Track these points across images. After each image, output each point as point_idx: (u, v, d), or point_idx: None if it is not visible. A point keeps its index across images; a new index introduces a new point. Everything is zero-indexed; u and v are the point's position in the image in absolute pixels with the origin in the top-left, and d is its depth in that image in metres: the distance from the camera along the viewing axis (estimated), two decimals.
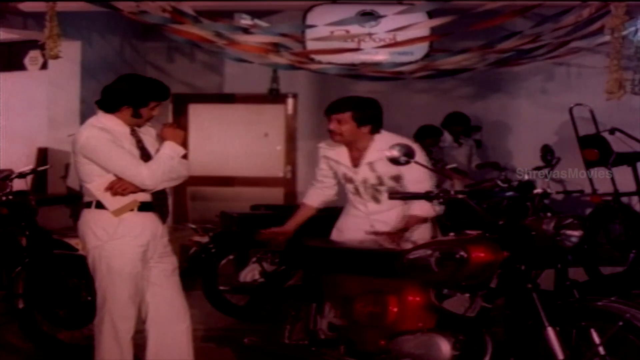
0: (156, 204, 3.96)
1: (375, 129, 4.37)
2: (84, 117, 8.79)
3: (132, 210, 3.89)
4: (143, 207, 3.91)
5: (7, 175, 5.49)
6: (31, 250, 5.11)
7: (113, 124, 3.91)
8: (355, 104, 4.36)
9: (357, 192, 4.43)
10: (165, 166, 3.89)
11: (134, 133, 3.96)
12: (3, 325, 5.41)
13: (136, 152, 3.91)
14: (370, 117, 4.34)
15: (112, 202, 3.86)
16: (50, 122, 8.90)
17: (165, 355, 4.00)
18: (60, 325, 5.08)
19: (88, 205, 3.95)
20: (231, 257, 5.96)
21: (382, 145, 4.22)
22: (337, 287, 3.96)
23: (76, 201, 8.46)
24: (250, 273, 5.65)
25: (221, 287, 5.87)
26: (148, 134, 4.04)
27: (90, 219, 3.95)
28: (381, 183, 4.33)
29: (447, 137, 8.20)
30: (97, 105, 3.99)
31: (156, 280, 4.00)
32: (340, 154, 4.44)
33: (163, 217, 4.00)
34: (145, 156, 3.93)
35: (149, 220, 3.95)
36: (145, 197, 3.91)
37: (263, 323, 4.32)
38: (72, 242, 5.69)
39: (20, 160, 7.93)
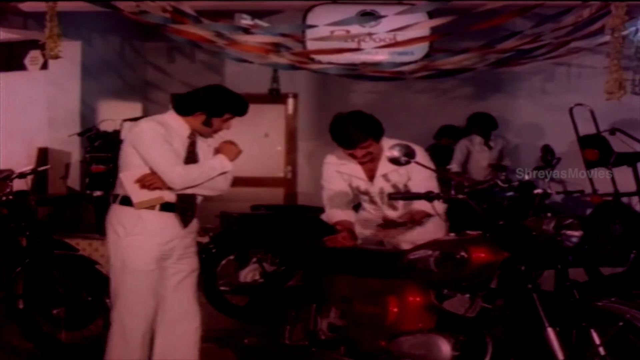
0: (180, 206, 3.95)
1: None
2: (84, 117, 8.93)
3: (153, 207, 3.90)
4: (165, 207, 3.92)
5: (7, 175, 5.50)
6: (31, 250, 5.11)
7: (176, 124, 3.95)
8: (368, 127, 4.23)
9: (372, 201, 4.40)
10: (202, 173, 3.91)
11: (191, 137, 3.97)
12: (3, 325, 5.42)
13: (182, 154, 3.92)
14: (378, 128, 4.27)
15: (138, 194, 3.88)
16: (50, 122, 8.91)
17: (171, 354, 4.01)
18: (60, 326, 5.07)
19: (114, 199, 3.99)
20: (231, 257, 5.96)
21: None
22: (337, 288, 3.96)
23: (76, 201, 8.53)
24: (251, 273, 5.67)
25: (221, 288, 5.87)
26: (205, 142, 4.05)
27: (112, 215, 3.98)
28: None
29: (476, 138, 8.12)
30: (172, 105, 4.03)
31: (171, 280, 4.01)
32: (354, 168, 4.36)
33: (184, 221, 3.98)
34: (192, 161, 3.95)
35: (169, 220, 3.95)
36: (170, 197, 3.92)
37: (263, 323, 4.31)
38: (72, 242, 5.72)
39: (20, 160, 7.94)
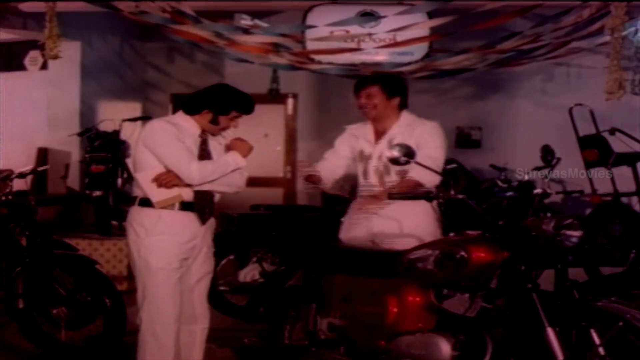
0: (198, 203, 3.97)
1: (403, 102, 4.42)
2: (84, 117, 8.93)
3: (173, 205, 3.91)
4: (184, 206, 3.94)
5: (7, 175, 5.50)
6: (31, 250, 5.11)
7: (187, 124, 3.98)
8: (382, 77, 4.45)
9: (366, 173, 4.41)
10: (218, 169, 3.93)
11: (202, 135, 4.00)
12: (3, 325, 5.42)
13: (195, 153, 3.94)
14: (398, 88, 4.39)
15: (157, 193, 3.89)
16: (50, 122, 8.91)
17: (177, 353, 4.01)
18: (60, 326, 5.07)
19: (133, 201, 4.01)
20: (231, 257, 5.95)
21: (406, 123, 4.37)
22: (337, 288, 3.96)
23: (76, 201, 8.51)
24: (250, 273, 5.65)
25: (221, 288, 5.87)
26: (217, 141, 4.07)
27: (132, 216, 4.00)
28: None
29: None
30: (172, 106, 4.05)
31: (189, 281, 4.03)
32: (365, 129, 4.46)
33: (203, 218, 4.00)
34: (206, 158, 3.97)
35: (189, 219, 3.96)
36: (188, 195, 3.93)
37: (263, 323, 4.32)
38: (72, 242, 5.71)
39: (20, 160, 7.94)
